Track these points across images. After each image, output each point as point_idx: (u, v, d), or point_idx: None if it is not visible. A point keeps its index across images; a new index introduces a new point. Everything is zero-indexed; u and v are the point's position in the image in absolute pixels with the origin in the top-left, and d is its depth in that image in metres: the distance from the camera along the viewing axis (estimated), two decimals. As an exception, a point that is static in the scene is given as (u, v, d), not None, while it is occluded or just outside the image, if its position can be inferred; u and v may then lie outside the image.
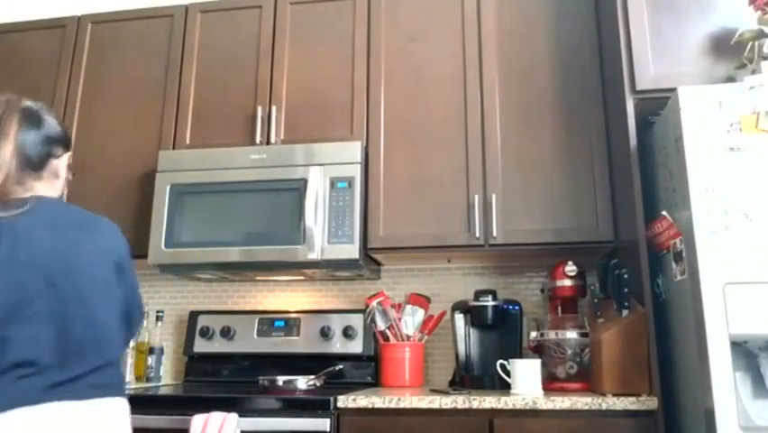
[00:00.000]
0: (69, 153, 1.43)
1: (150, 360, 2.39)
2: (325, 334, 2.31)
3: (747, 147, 1.53)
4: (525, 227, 2.09)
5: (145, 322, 2.52)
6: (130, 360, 2.35)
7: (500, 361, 1.91)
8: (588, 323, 1.98)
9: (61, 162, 1.39)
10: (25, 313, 1.17)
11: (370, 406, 1.74)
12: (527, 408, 1.68)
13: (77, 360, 1.21)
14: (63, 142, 1.40)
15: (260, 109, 2.34)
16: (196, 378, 2.41)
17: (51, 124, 1.37)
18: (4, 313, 1.15)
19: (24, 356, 1.15)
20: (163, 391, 2.02)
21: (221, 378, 2.39)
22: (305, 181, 2.13)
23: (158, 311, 2.53)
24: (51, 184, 1.37)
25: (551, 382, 1.94)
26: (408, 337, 2.23)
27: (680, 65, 1.84)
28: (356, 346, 2.29)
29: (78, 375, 1.21)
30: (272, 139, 2.31)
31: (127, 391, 1.93)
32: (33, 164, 1.31)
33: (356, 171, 2.15)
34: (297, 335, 2.35)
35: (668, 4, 1.89)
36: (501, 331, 2.12)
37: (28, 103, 1.34)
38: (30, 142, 1.31)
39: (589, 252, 2.12)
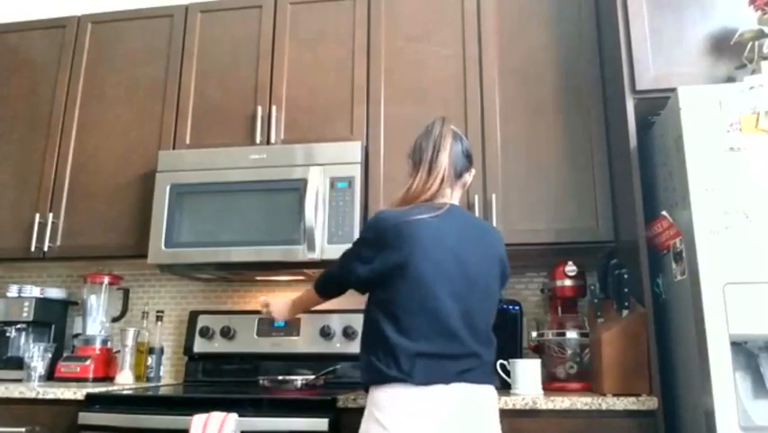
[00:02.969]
0: (473, 171, 1.66)
1: (150, 360, 2.39)
2: (325, 334, 2.30)
3: (747, 147, 1.53)
4: (525, 227, 2.09)
5: (145, 322, 2.53)
6: (129, 359, 2.35)
7: (500, 361, 1.91)
8: (588, 323, 1.98)
9: (469, 177, 1.64)
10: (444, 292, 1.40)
11: (370, 406, 1.74)
12: (527, 408, 1.68)
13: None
14: (471, 160, 1.63)
15: (260, 109, 2.34)
16: (196, 378, 2.41)
17: (467, 143, 1.62)
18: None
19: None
20: (163, 391, 2.03)
21: (221, 378, 2.39)
22: (305, 181, 2.13)
23: (158, 311, 2.53)
24: (459, 193, 1.61)
25: (551, 382, 1.94)
26: (408, 337, 2.22)
27: (680, 65, 1.84)
28: (356, 346, 2.27)
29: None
30: (272, 139, 2.30)
31: (127, 391, 1.94)
32: (457, 174, 1.57)
33: (356, 171, 2.14)
34: (297, 335, 2.35)
35: (668, 3, 1.89)
36: (501, 331, 2.11)
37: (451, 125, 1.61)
38: (458, 155, 1.56)
39: (589, 252, 2.12)
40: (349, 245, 2.05)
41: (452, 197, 1.58)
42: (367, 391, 1.44)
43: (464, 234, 1.49)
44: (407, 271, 1.40)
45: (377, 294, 1.47)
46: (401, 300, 1.40)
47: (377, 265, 1.45)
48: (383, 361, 1.37)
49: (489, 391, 1.44)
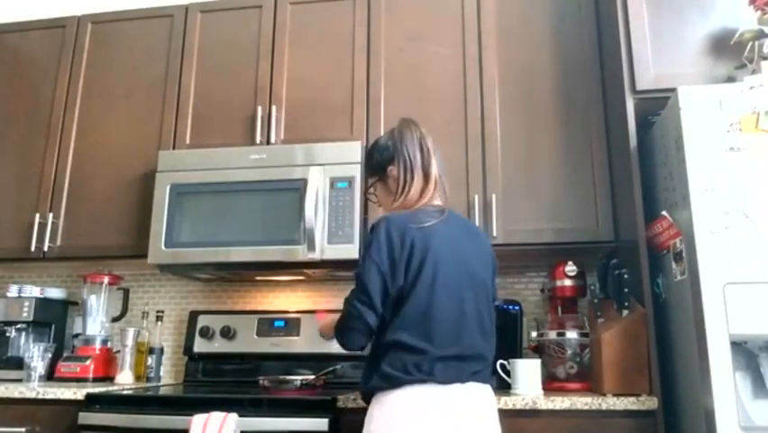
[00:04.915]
0: None
1: (150, 360, 2.39)
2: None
3: (747, 147, 1.53)
4: (525, 227, 2.09)
5: (145, 322, 2.53)
6: (129, 359, 2.35)
7: (500, 361, 1.91)
8: (588, 323, 1.98)
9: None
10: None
11: (370, 406, 1.74)
12: (527, 408, 1.68)
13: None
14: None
15: (260, 109, 2.34)
16: (196, 378, 2.41)
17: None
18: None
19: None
20: (163, 391, 2.03)
21: (221, 378, 2.39)
22: (305, 181, 2.13)
23: (158, 311, 2.53)
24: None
25: (551, 382, 1.94)
26: (408, 337, 2.22)
27: (680, 65, 1.84)
28: (356, 346, 2.29)
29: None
30: (272, 139, 2.30)
31: (127, 391, 1.94)
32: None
33: (356, 171, 2.14)
34: (297, 335, 2.35)
35: (668, 4, 1.89)
36: (501, 331, 2.11)
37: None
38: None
39: (589, 252, 2.12)
40: (348, 245, 2.09)
41: (440, 200, 1.60)
42: (365, 397, 1.47)
43: (463, 236, 1.53)
44: (424, 278, 1.39)
45: (396, 304, 1.42)
46: (420, 308, 1.38)
47: (398, 274, 1.40)
48: (399, 367, 1.36)
49: (490, 391, 1.47)
